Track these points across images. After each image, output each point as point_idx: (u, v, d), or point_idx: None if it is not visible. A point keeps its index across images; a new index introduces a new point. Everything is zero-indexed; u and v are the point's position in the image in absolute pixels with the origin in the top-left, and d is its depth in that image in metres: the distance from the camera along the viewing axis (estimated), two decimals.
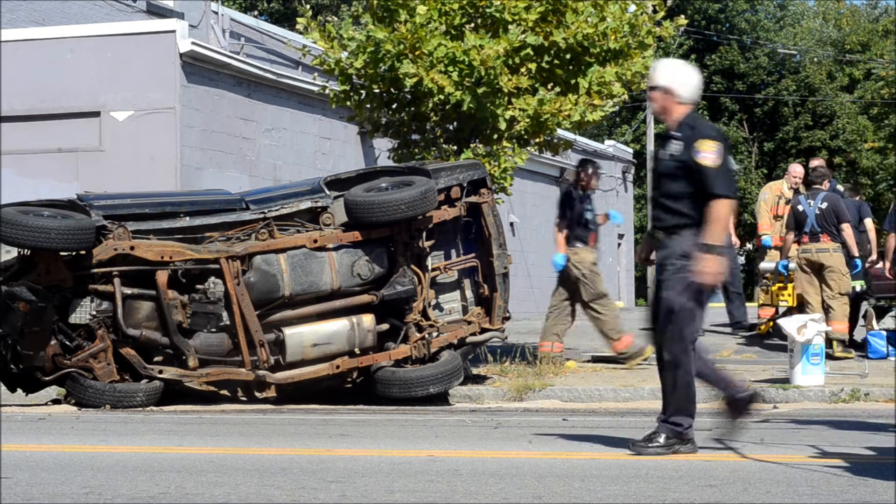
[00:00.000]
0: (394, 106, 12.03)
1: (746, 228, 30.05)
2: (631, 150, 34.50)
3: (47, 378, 9.51)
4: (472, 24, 11.54)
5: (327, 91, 12.42)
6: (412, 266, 9.97)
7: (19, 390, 9.76)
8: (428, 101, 11.34)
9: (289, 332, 9.68)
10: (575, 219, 11.95)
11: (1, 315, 9.23)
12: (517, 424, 8.23)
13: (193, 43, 15.43)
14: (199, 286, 9.57)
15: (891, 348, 12.49)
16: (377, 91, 11.75)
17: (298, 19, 12.19)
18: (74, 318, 9.39)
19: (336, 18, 13.21)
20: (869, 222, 13.62)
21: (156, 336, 9.46)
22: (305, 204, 9.92)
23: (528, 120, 11.46)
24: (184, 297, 9.51)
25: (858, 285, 12.97)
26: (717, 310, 18.01)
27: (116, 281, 9.35)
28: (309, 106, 17.88)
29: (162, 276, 9.40)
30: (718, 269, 6.17)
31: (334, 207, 9.94)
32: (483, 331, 10.33)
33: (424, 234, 10.01)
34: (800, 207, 12.76)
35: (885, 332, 12.74)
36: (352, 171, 10.50)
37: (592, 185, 12.12)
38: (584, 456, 6.37)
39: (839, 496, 5.02)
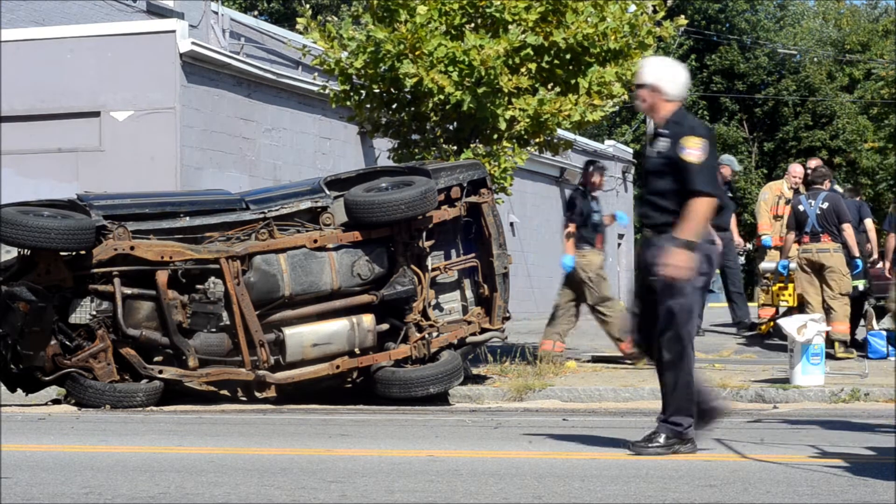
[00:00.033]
0: (394, 106, 12.03)
1: (746, 228, 30.03)
2: (631, 150, 34.49)
3: (47, 378, 9.51)
4: (473, 24, 11.54)
5: (327, 91, 12.42)
6: (412, 266, 9.97)
7: (19, 390, 9.76)
8: (428, 101, 11.33)
9: (289, 332, 9.68)
10: (583, 220, 11.96)
11: (1, 315, 9.23)
12: (517, 424, 8.22)
13: (193, 43, 15.42)
14: (199, 286, 9.57)
15: (891, 348, 12.50)
16: (377, 91, 11.75)
17: (298, 19, 12.19)
18: (74, 318, 9.39)
19: (336, 18, 13.21)
20: (869, 223, 13.63)
21: (156, 336, 9.46)
22: (305, 204, 9.92)
23: (528, 120, 11.46)
24: (184, 297, 9.51)
25: (861, 284, 12.97)
26: (717, 310, 18.02)
27: (116, 281, 9.35)
28: (309, 106, 17.87)
29: (162, 276, 9.40)
30: (687, 264, 6.12)
31: (334, 207, 9.94)
32: (483, 331, 10.33)
33: (424, 234, 10.01)
34: (801, 207, 12.77)
35: (885, 332, 12.74)
36: (352, 171, 10.50)
37: (600, 185, 12.14)
38: (584, 456, 6.37)
39: (839, 496, 5.02)
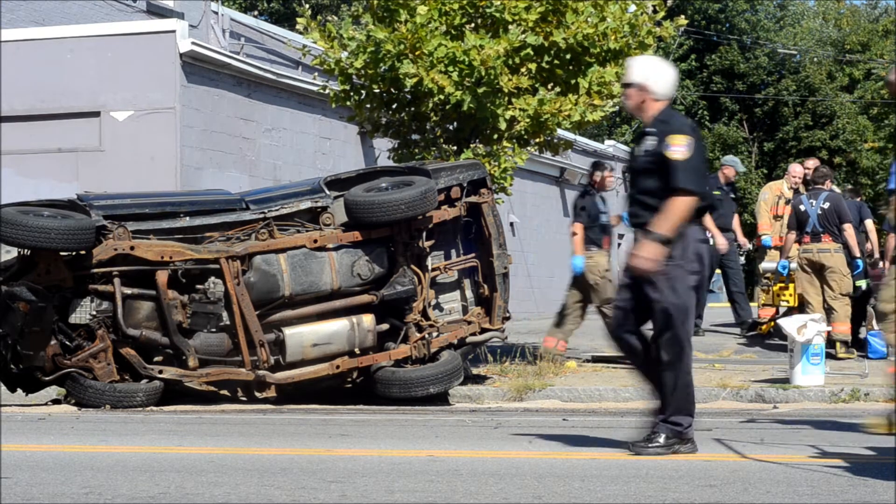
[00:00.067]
0: (394, 106, 12.03)
1: (746, 228, 30.03)
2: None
3: (47, 378, 9.51)
4: (473, 25, 11.54)
5: (327, 91, 12.42)
6: (412, 266, 9.97)
7: (19, 390, 9.76)
8: (428, 101, 11.34)
9: (289, 332, 9.68)
10: (591, 221, 11.96)
11: (1, 315, 9.23)
12: (517, 424, 8.23)
13: (193, 43, 15.42)
14: (199, 286, 9.57)
15: (891, 348, 12.48)
16: (377, 91, 11.75)
17: (298, 19, 12.20)
18: (74, 318, 9.39)
19: (336, 18, 13.21)
20: (869, 223, 13.63)
21: (156, 336, 9.46)
22: (305, 204, 9.92)
23: (528, 120, 11.47)
24: (184, 297, 9.51)
25: (864, 284, 12.97)
26: (717, 310, 18.02)
27: (116, 281, 9.35)
28: (309, 106, 17.87)
29: (162, 276, 9.40)
30: (655, 257, 6.12)
31: (334, 207, 9.94)
32: (483, 331, 10.33)
33: (424, 234, 10.01)
34: (802, 207, 12.77)
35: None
36: (352, 171, 10.51)
37: (607, 186, 12.14)
38: (584, 456, 6.37)
39: (839, 496, 5.02)
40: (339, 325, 9.78)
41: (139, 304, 9.47)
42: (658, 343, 6.36)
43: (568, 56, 11.49)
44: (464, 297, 10.51)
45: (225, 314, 9.57)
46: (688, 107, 45.63)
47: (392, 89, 11.76)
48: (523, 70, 11.30)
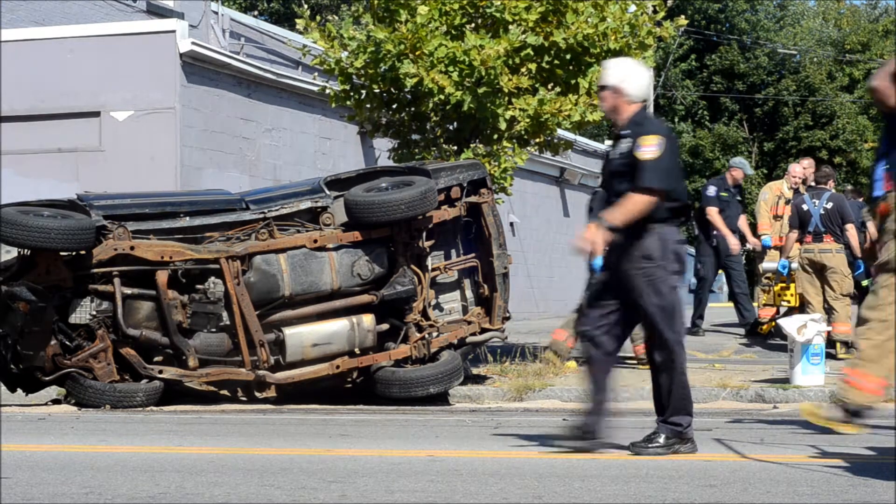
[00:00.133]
0: (394, 106, 12.03)
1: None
2: None
3: (47, 378, 9.51)
4: (473, 25, 11.54)
5: (327, 91, 12.42)
6: (412, 266, 9.97)
7: (19, 390, 9.75)
8: (428, 101, 11.34)
9: (289, 332, 9.68)
10: None
11: (1, 315, 9.23)
12: (517, 424, 8.23)
13: (193, 43, 15.42)
14: (199, 286, 9.57)
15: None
16: (377, 91, 11.75)
17: (297, 20, 12.20)
18: (74, 318, 9.39)
19: (336, 17, 13.21)
20: (871, 224, 13.61)
21: (156, 336, 9.46)
22: (305, 204, 9.92)
23: (528, 120, 11.47)
24: (184, 297, 9.51)
25: (869, 284, 12.96)
26: (717, 310, 18.03)
27: (116, 281, 9.35)
28: (309, 106, 17.86)
29: (162, 276, 9.40)
30: (593, 238, 6.21)
31: (334, 207, 9.94)
32: (483, 331, 10.33)
33: (424, 234, 10.02)
34: (804, 207, 12.77)
35: None
36: (352, 171, 10.51)
37: None
38: (584, 456, 6.37)
39: (839, 496, 5.02)
40: (339, 325, 9.78)
41: (139, 304, 9.47)
42: (649, 346, 6.41)
43: (568, 56, 11.49)
44: (464, 297, 10.51)
45: (225, 314, 9.57)
46: (688, 107, 45.65)
47: (392, 89, 11.76)
48: (523, 70, 11.30)
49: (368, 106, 11.97)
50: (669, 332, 6.27)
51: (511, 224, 22.92)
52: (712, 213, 14.55)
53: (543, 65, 11.44)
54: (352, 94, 11.99)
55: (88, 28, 16.27)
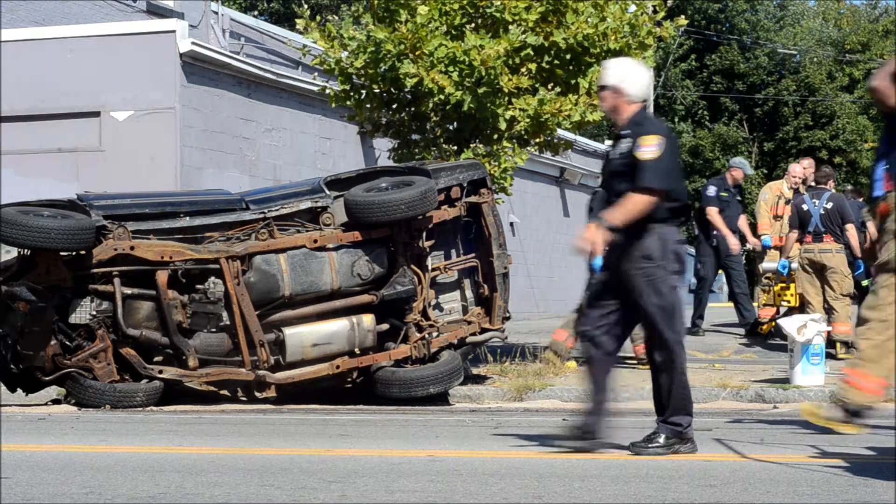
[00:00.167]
0: (394, 106, 12.03)
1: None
2: None
3: (47, 378, 9.51)
4: (473, 25, 11.54)
5: (327, 91, 12.42)
6: (412, 266, 9.97)
7: (19, 390, 9.75)
8: (428, 101, 11.34)
9: (289, 332, 9.68)
10: None
11: (1, 315, 9.23)
12: (517, 424, 8.23)
13: (193, 43, 15.42)
14: (199, 286, 9.57)
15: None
16: (377, 91, 11.75)
17: (297, 20, 12.20)
18: (74, 318, 9.39)
19: (336, 17, 13.21)
20: (871, 224, 13.61)
21: (156, 336, 9.46)
22: (305, 204, 9.92)
23: (528, 120, 11.47)
24: (184, 297, 9.51)
25: (869, 284, 12.96)
26: (717, 310, 18.03)
27: (116, 281, 9.35)
28: (309, 106, 17.86)
29: (162, 276, 9.40)
30: (592, 238, 6.22)
31: (334, 207, 9.94)
32: (483, 331, 10.33)
33: (424, 234, 10.02)
34: (804, 206, 12.77)
35: None
36: (352, 171, 10.51)
37: None
38: (584, 456, 6.37)
39: (839, 496, 5.02)
40: (339, 325, 9.78)
41: (139, 304, 9.47)
42: (648, 346, 6.42)
43: (568, 56, 11.49)
44: (464, 297, 10.51)
45: (225, 314, 9.57)
46: (688, 107, 45.65)
47: (392, 89, 11.76)
48: (523, 70, 11.30)
49: (368, 106, 11.97)
50: (669, 332, 6.27)
51: (511, 224, 22.93)
52: (712, 213, 14.55)
53: (543, 65, 11.44)
54: (352, 94, 11.99)
55: (88, 28, 16.27)
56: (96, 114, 15.40)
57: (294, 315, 9.76)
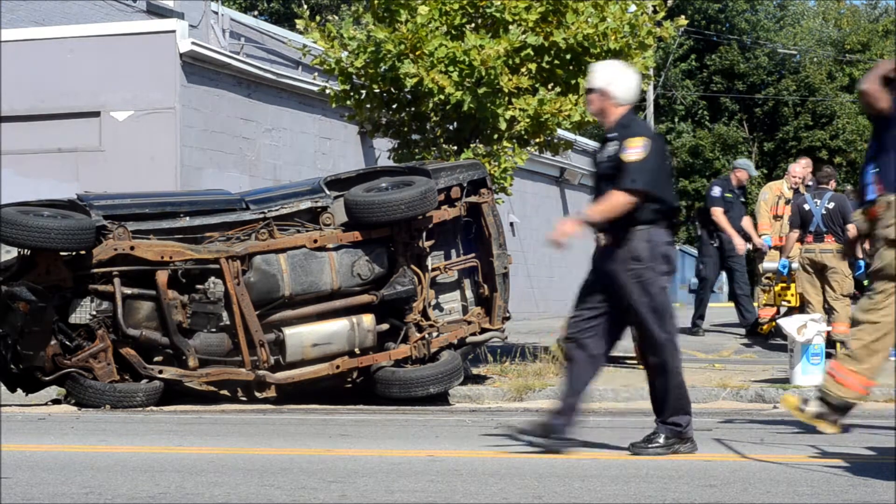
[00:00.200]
0: (394, 106, 12.02)
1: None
2: None
3: (47, 378, 9.51)
4: (473, 25, 11.54)
5: (327, 91, 12.42)
6: (412, 266, 9.97)
7: (19, 390, 9.75)
8: (428, 101, 11.33)
9: (289, 332, 9.68)
10: None
11: (1, 315, 9.23)
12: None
13: (193, 43, 15.41)
14: (199, 286, 9.57)
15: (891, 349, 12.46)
16: (377, 91, 11.75)
17: (297, 20, 12.20)
18: (74, 318, 9.39)
19: (336, 17, 13.21)
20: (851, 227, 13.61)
21: (156, 336, 9.46)
22: (305, 204, 9.92)
23: (528, 120, 11.46)
24: (184, 297, 9.51)
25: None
26: (717, 310, 18.02)
27: (116, 281, 9.35)
28: (309, 106, 17.86)
29: (162, 276, 9.40)
30: (568, 230, 6.25)
31: (334, 207, 9.94)
32: (483, 331, 10.33)
33: (424, 234, 10.02)
34: (806, 206, 12.76)
35: None
36: (352, 171, 10.51)
37: None
38: (584, 456, 6.37)
39: (839, 496, 5.02)
40: (339, 325, 9.78)
41: (139, 304, 9.47)
42: (642, 348, 6.43)
43: (568, 56, 11.49)
44: (464, 297, 10.51)
45: (225, 314, 9.57)
46: (688, 107, 45.66)
47: (392, 89, 11.76)
48: (523, 70, 11.30)
49: (368, 106, 11.97)
50: (661, 333, 6.27)
51: (511, 224, 22.93)
52: (717, 213, 14.55)
53: (543, 65, 11.44)
54: (352, 94, 11.99)
55: (88, 28, 16.27)
56: (96, 114, 15.40)
57: (294, 315, 9.76)
